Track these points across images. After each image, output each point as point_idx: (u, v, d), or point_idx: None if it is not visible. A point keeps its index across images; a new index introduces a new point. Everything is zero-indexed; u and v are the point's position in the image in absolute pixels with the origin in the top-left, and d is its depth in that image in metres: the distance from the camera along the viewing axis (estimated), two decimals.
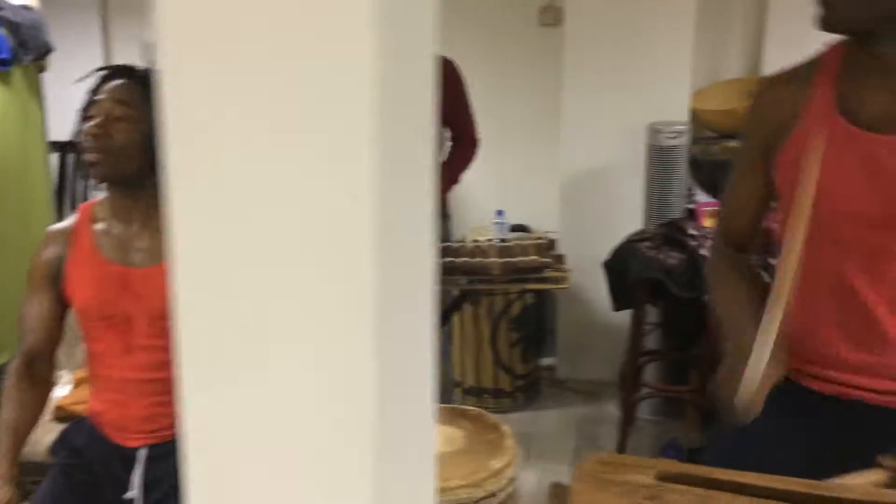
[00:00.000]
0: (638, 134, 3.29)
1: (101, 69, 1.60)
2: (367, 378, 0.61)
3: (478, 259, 2.44)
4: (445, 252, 2.49)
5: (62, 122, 4.59)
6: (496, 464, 1.65)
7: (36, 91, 3.83)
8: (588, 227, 3.46)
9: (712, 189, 3.61)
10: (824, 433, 1.24)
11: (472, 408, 1.88)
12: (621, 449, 2.93)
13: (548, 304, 3.84)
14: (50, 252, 1.63)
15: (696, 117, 3.62)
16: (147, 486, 1.60)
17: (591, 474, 0.89)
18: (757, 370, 1.09)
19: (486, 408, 3.48)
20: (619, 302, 2.97)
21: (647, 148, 3.26)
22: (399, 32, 0.62)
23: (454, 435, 1.78)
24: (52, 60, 4.48)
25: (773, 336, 1.09)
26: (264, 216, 0.60)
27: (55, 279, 1.62)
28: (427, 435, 0.78)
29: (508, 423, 3.46)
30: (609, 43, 3.31)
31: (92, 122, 1.52)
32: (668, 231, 2.70)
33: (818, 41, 1.23)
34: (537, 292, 3.40)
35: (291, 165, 0.59)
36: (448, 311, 2.62)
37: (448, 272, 2.37)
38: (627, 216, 3.35)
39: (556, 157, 3.58)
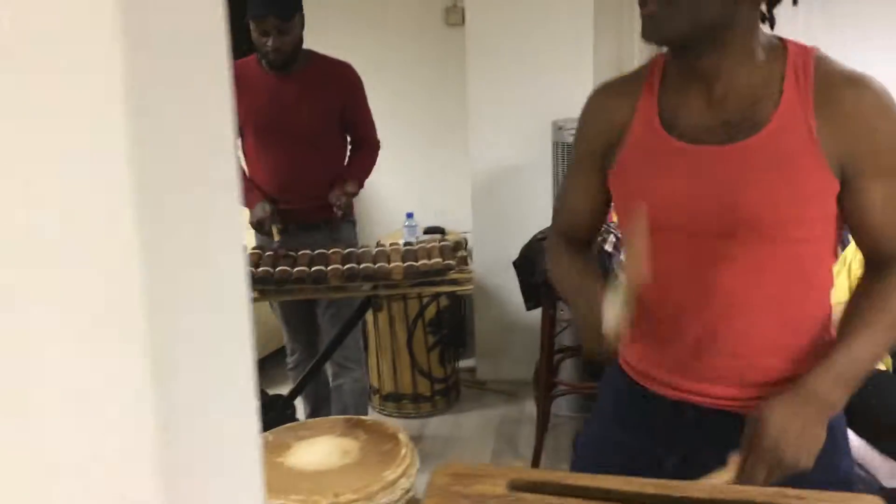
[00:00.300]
0: (544, 131, 3.29)
1: None
2: (144, 405, 0.56)
3: (380, 264, 2.38)
4: (348, 258, 2.43)
5: None
6: (390, 475, 1.60)
7: None
8: (500, 227, 3.45)
9: None
10: (668, 437, 1.26)
11: (370, 418, 1.83)
12: (538, 448, 2.92)
13: (465, 305, 3.83)
14: None
15: None
16: None
17: (442, 488, 0.85)
18: (611, 309, 1.13)
19: (405, 413, 3.46)
20: (531, 301, 2.96)
21: (552, 145, 3.26)
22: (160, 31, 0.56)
23: (349, 447, 1.73)
24: None
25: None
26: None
27: None
28: (249, 457, 0.72)
29: (428, 428, 3.46)
30: (510, 41, 3.31)
31: None
32: None
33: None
34: (452, 294, 3.37)
35: (48, 166, 0.53)
36: (353, 318, 2.55)
37: (350, 279, 2.31)
38: (538, 214, 3.35)
39: (467, 157, 3.56)
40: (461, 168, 3.74)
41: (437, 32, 3.93)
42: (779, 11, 1.18)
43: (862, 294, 1.18)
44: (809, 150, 1.11)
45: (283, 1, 2.46)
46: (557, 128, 3.20)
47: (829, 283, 1.24)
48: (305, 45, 2.64)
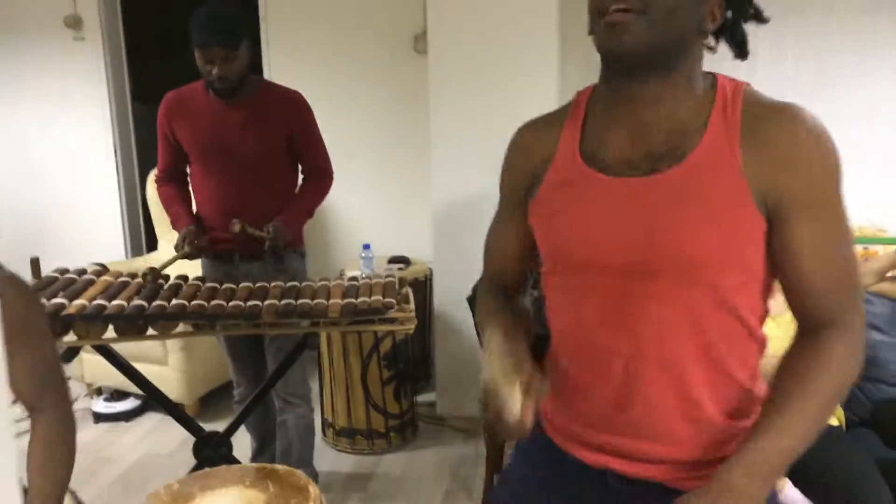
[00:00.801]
0: None
1: None
2: None
3: (318, 301, 2.30)
4: (287, 293, 2.34)
5: None
6: None
7: None
8: (462, 258, 3.36)
9: None
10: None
11: (283, 467, 1.73)
12: (488, 488, 2.82)
13: (425, 338, 3.73)
14: None
15: None
16: None
17: None
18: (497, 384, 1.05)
19: (359, 450, 3.35)
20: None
21: None
22: None
23: (254, 499, 1.63)
24: None
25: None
26: None
27: None
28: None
29: (381, 466, 3.34)
30: (473, 68, 3.24)
31: None
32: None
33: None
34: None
35: None
36: (291, 355, 2.46)
37: (285, 315, 2.22)
38: None
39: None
40: (426, 196, 3.67)
41: (406, 60, 3.87)
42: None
43: (790, 367, 1.07)
44: (733, 184, 1.03)
45: (228, 30, 2.39)
46: None
47: (759, 333, 1.13)
48: (279, 69, 2.56)
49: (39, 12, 4.22)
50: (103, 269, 2.50)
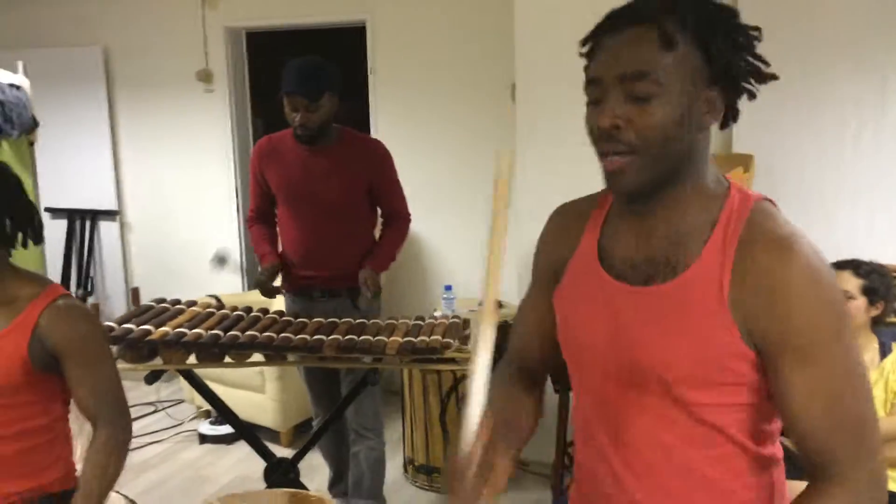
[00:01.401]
0: None
1: None
2: None
3: (379, 338, 2.41)
4: (353, 330, 2.46)
5: (77, 189, 4.84)
6: None
7: (27, 162, 4.03)
8: None
9: None
10: None
11: (315, 495, 1.83)
12: None
13: None
14: None
15: None
16: None
17: None
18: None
19: (437, 487, 3.41)
20: (557, 382, 2.88)
21: None
22: None
23: None
24: (66, 131, 4.75)
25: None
26: None
27: None
28: None
29: None
30: (558, 115, 3.30)
31: None
32: None
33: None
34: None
35: None
36: (354, 390, 2.58)
37: (346, 350, 2.34)
38: None
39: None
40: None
41: (502, 107, 3.98)
42: None
43: None
44: (716, 309, 0.98)
45: (311, 81, 2.58)
46: None
47: (757, 450, 1.07)
48: (384, 114, 2.70)
49: (176, 68, 4.68)
50: (193, 302, 2.73)
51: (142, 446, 3.88)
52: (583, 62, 1.07)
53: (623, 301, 1.06)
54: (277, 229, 2.93)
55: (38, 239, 1.73)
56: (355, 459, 2.92)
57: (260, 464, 2.68)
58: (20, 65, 4.00)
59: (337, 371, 2.87)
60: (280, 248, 2.90)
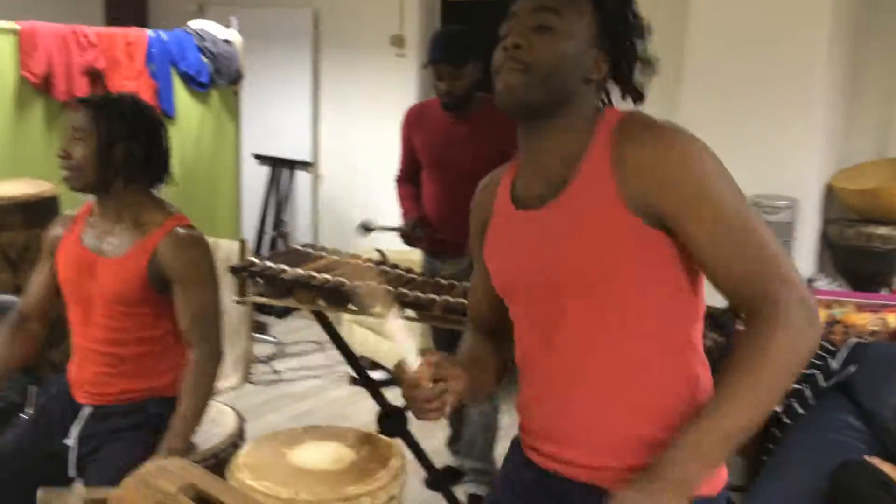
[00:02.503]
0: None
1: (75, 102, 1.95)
2: None
3: None
4: (465, 293, 2.54)
5: (278, 139, 5.30)
6: (353, 490, 1.73)
7: (232, 111, 4.50)
8: None
9: (847, 275, 3.22)
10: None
11: (385, 438, 1.95)
12: None
13: None
14: (52, 232, 2.02)
15: (837, 197, 3.28)
16: (82, 439, 1.92)
17: (141, 478, 0.99)
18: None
19: None
20: None
21: None
22: None
23: (345, 456, 1.88)
24: (272, 84, 5.21)
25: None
26: None
27: (51, 254, 2.00)
28: None
29: None
30: (727, 100, 3.13)
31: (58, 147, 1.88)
32: None
33: None
34: None
35: None
36: None
37: (450, 311, 2.42)
38: None
39: None
40: None
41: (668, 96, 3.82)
42: None
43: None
44: (611, 205, 1.11)
45: (454, 50, 2.67)
46: (754, 203, 2.95)
47: (690, 341, 1.17)
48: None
49: (374, 32, 4.94)
50: (332, 250, 2.95)
51: (300, 379, 4.26)
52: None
53: (531, 226, 1.20)
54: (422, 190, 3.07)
55: (161, 182, 1.96)
56: (469, 421, 3.02)
57: None
58: (234, 21, 4.45)
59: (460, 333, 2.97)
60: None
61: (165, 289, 1.91)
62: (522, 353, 1.27)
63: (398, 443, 2.03)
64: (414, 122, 2.96)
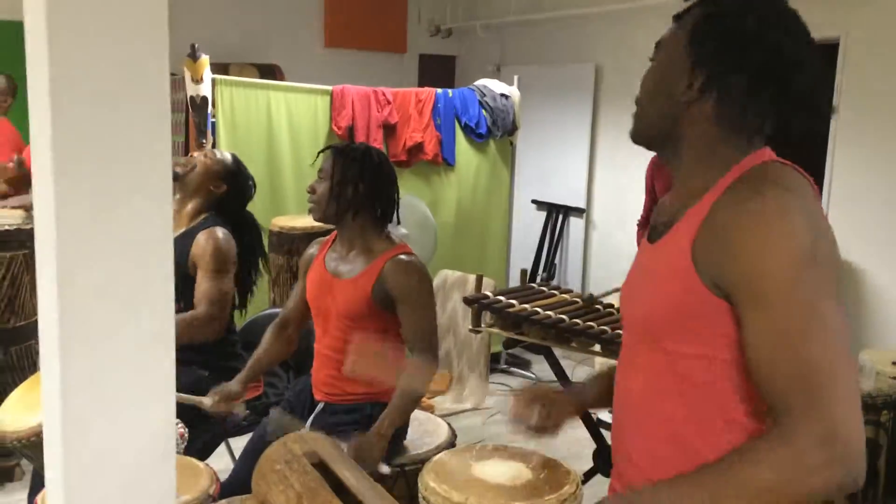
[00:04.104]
0: None
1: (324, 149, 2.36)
2: None
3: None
4: None
5: (554, 186, 5.59)
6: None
7: (506, 160, 4.87)
8: None
9: None
10: None
11: (565, 463, 2.05)
12: None
13: None
14: (308, 252, 2.45)
15: None
16: (312, 430, 2.29)
17: (285, 439, 1.26)
18: None
19: None
20: None
21: None
22: None
23: (521, 475, 2.02)
24: (552, 135, 5.53)
25: None
26: None
27: (305, 273, 2.43)
28: None
29: None
30: None
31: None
32: None
33: None
34: (877, 427, 2.97)
35: None
36: None
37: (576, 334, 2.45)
38: None
39: None
40: None
41: None
42: None
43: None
44: (682, 261, 1.06)
45: None
46: None
47: (740, 418, 1.09)
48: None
49: None
50: (565, 290, 3.10)
51: None
52: None
53: (641, 258, 1.24)
54: None
55: (388, 218, 2.29)
56: None
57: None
58: (515, 78, 4.83)
59: None
60: None
61: (388, 307, 2.21)
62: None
63: (578, 472, 2.11)
64: (656, 168, 3.04)
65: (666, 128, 1.15)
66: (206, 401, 2.38)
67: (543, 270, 5.54)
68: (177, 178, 2.63)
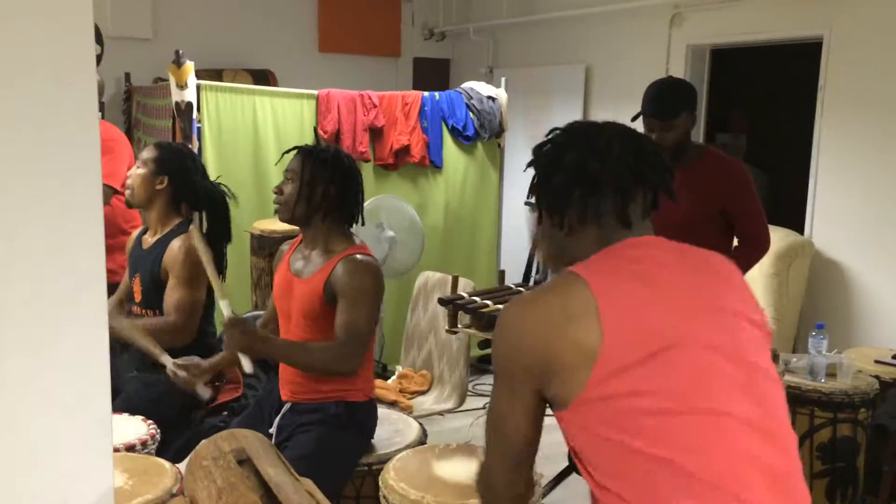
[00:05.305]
0: None
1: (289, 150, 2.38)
2: None
3: None
4: None
5: None
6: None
7: (494, 162, 4.87)
8: None
9: None
10: None
11: None
12: None
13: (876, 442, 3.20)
14: (280, 250, 2.48)
15: None
16: (279, 429, 2.31)
17: (216, 437, 1.28)
18: None
19: None
20: None
21: None
22: None
23: None
24: (541, 138, 5.50)
25: None
26: None
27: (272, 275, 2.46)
28: None
29: None
30: None
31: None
32: None
33: None
34: (855, 425, 2.96)
35: None
36: None
37: None
38: None
39: None
40: None
41: None
42: None
43: None
44: None
45: (663, 104, 2.72)
46: None
47: None
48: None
49: (640, 83, 5.02)
50: None
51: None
52: None
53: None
54: None
55: (354, 219, 2.31)
56: None
57: None
58: (503, 80, 4.84)
59: None
60: None
61: (335, 304, 2.21)
62: None
63: (550, 473, 2.12)
64: None
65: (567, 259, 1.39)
66: (167, 360, 2.43)
67: (536, 273, 5.54)
68: (129, 204, 2.71)
